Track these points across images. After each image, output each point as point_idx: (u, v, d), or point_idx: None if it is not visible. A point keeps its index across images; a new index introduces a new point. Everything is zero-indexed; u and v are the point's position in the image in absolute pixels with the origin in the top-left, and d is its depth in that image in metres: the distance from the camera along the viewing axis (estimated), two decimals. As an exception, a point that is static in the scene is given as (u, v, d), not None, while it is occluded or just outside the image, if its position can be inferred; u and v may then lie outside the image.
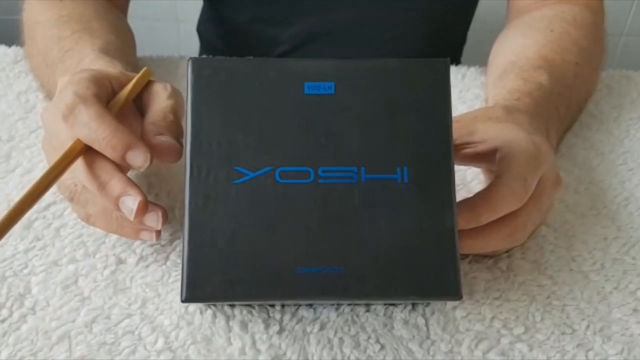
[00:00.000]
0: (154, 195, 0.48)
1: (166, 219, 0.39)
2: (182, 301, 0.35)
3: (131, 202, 0.37)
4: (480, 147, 0.43)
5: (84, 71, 0.42)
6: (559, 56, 0.56)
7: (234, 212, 0.35)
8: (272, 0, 0.75)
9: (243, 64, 0.37)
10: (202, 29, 0.89)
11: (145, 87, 0.44)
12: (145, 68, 0.45)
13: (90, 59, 0.49)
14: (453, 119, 0.37)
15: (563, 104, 0.53)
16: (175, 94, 0.44)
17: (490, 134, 0.43)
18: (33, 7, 0.59)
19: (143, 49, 0.68)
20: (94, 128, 0.38)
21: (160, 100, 0.43)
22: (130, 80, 0.44)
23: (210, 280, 0.35)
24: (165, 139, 0.40)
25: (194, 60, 0.37)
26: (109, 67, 0.47)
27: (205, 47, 0.90)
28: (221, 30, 0.84)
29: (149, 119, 0.41)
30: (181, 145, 0.41)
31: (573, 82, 0.56)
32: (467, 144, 0.43)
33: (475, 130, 0.43)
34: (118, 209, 0.38)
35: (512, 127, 0.43)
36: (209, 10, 0.86)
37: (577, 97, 0.57)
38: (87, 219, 0.42)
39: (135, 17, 0.70)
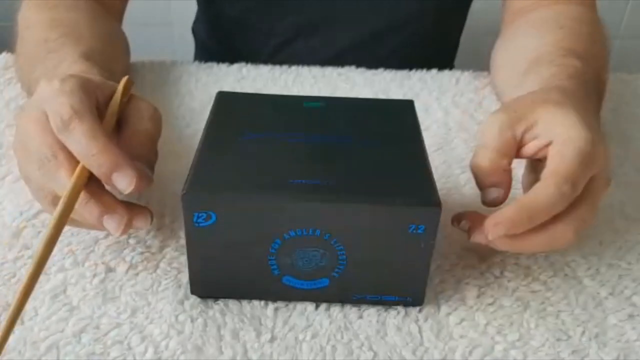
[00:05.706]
0: (144, 202, 0.48)
1: (152, 219, 0.41)
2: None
3: (115, 221, 0.38)
4: (543, 141, 0.41)
5: (72, 78, 0.41)
6: (578, 45, 0.55)
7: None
8: None
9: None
10: (196, 28, 0.90)
11: (127, 102, 0.43)
12: (126, 78, 0.43)
13: (68, 63, 0.49)
14: (511, 106, 0.43)
15: (601, 84, 0.53)
16: (155, 116, 0.43)
17: (551, 130, 0.41)
18: (27, 9, 0.60)
19: (136, 53, 0.67)
20: (84, 144, 0.37)
21: (140, 122, 0.42)
22: (110, 88, 0.43)
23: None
24: (140, 167, 0.39)
25: (220, 93, 0.46)
26: (88, 72, 0.46)
27: (199, 47, 0.90)
28: (214, 26, 0.84)
29: (127, 140, 0.41)
30: (152, 172, 0.41)
31: (597, 65, 0.54)
32: (528, 131, 0.42)
33: (535, 120, 0.41)
34: (100, 224, 0.38)
35: (574, 120, 0.41)
36: (202, 8, 0.86)
37: (603, 82, 0.55)
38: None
39: (128, 21, 0.70)
